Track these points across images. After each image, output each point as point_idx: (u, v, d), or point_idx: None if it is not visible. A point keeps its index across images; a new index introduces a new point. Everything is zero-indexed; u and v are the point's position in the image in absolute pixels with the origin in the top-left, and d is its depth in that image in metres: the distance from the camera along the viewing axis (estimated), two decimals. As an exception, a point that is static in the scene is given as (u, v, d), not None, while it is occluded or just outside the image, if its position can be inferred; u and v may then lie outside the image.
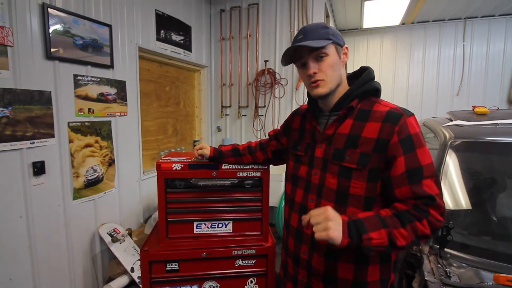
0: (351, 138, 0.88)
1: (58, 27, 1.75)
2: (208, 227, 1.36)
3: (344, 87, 0.95)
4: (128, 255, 2.04)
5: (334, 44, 0.90)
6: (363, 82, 0.92)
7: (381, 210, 0.83)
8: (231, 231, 1.38)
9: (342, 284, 0.91)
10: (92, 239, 2.05)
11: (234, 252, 1.34)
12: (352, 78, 0.98)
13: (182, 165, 1.29)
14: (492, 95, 4.62)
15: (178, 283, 1.34)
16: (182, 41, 3.03)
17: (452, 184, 1.46)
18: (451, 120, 1.99)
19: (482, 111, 1.99)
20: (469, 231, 1.31)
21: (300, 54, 0.90)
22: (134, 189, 2.46)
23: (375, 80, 0.96)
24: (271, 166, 1.38)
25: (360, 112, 0.90)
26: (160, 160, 1.33)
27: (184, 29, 3.08)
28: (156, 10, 2.62)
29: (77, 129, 1.90)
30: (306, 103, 1.10)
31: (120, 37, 2.22)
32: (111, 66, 2.13)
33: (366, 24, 4.59)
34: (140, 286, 1.93)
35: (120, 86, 2.23)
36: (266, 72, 3.32)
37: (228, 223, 1.37)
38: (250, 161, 1.32)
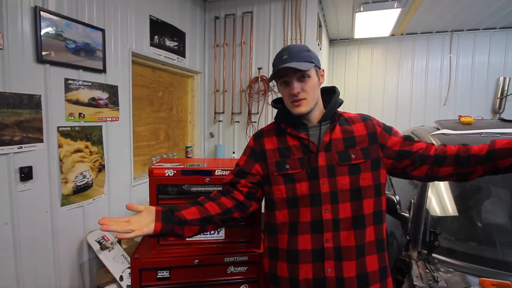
0: (347, 140, 0.98)
1: (50, 30, 1.74)
2: (200, 234, 1.35)
3: (320, 103, 1.03)
4: (117, 263, 2.00)
5: (315, 67, 0.97)
6: (338, 97, 1.04)
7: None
8: (223, 237, 1.37)
9: (373, 278, 0.92)
10: (80, 247, 2.00)
11: (226, 259, 1.33)
12: (323, 93, 1.06)
13: (175, 171, 1.29)
14: (478, 105, 4.78)
15: (169, 291, 1.32)
16: (176, 47, 3.04)
17: (439, 191, 1.49)
18: (438, 129, 2.04)
19: (467, 121, 2.06)
20: (456, 237, 1.34)
21: (284, 73, 0.94)
22: (124, 196, 2.42)
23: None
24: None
25: (340, 121, 1.02)
26: (152, 166, 1.32)
27: (178, 35, 3.09)
28: (150, 15, 2.63)
29: (67, 134, 1.87)
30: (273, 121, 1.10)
31: (113, 41, 2.21)
32: (103, 71, 2.12)
33: (357, 35, 4.70)
34: (129, 294, 1.89)
35: (112, 91, 2.22)
36: (259, 79, 3.36)
37: (221, 229, 1.37)
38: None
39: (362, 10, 3.63)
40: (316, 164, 0.95)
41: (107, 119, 2.18)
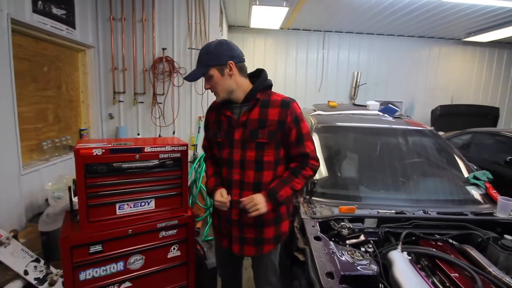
0: (261, 121, 1.27)
1: None
2: (131, 207, 1.46)
3: (247, 85, 1.31)
4: (17, 259, 1.80)
5: (215, 67, 1.24)
6: (262, 80, 1.32)
7: (284, 173, 1.29)
8: (154, 207, 1.52)
9: (268, 224, 1.34)
10: (-39, 248, 1.70)
11: (158, 225, 1.50)
12: (253, 76, 1.36)
13: (104, 150, 1.34)
14: (341, 92, 6.16)
15: (102, 263, 1.39)
16: (64, 16, 2.67)
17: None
18: (315, 111, 2.70)
19: (333, 105, 2.80)
20: (326, 185, 1.94)
21: None
22: (12, 186, 2.11)
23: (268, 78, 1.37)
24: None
25: (262, 102, 1.29)
26: (77, 146, 1.32)
27: (66, 2, 2.72)
28: (30, -24, 2.23)
29: None
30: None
31: (-15, 4, 1.83)
32: (-27, 39, 1.75)
33: (253, 24, 5.17)
34: (39, 287, 1.78)
35: (-12, 63, 1.86)
36: (164, 60, 3.34)
37: (151, 200, 1.50)
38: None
39: (258, 3, 4.05)
40: (233, 137, 1.28)
41: (-16, 97, 1.83)
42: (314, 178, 1.86)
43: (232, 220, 1.34)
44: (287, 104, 1.27)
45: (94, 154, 1.33)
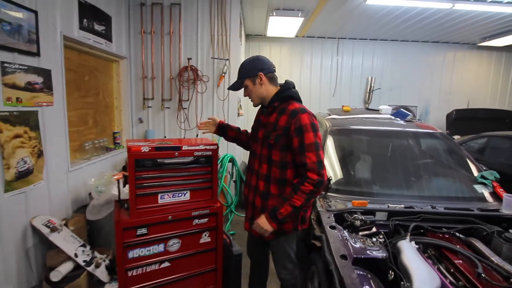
0: (274, 125, 1.50)
1: (-19, 9, 1.65)
2: (170, 197, 1.70)
3: (270, 95, 1.55)
4: (68, 243, 2.08)
5: (248, 78, 1.52)
6: (281, 92, 1.55)
7: (287, 189, 1.46)
8: (189, 198, 1.75)
9: (273, 199, 1.50)
10: (24, 232, 1.98)
11: (192, 214, 1.73)
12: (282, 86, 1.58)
13: (150, 148, 1.58)
14: (355, 97, 6.28)
15: (147, 244, 1.63)
16: (103, 31, 3.00)
17: (330, 157, 2.27)
18: (330, 115, 2.89)
19: (347, 109, 2.97)
20: (340, 182, 2.11)
21: None
22: (61, 181, 2.41)
23: (294, 89, 1.58)
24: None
25: (280, 109, 1.52)
26: (129, 144, 1.57)
27: (105, 19, 3.05)
28: (78, -2, 2.56)
29: (6, 119, 1.82)
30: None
31: (46, 24, 2.14)
32: (37, 54, 2.06)
33: (269, 33, 5.43)
34: (87, 268, 2.04)
35: (46, 75, 2.17)
36: (189, 69, 3.63)
37: (186, 192, 1.74)
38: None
39: (274, 14, 4.30)
40: (257, 134, 1.57)
41: (43, 104, 2.14)
42: (329, 176, 2.05)
43: (249, 201, 1.64)
44: (294, 113, 1.42)
45: (143, 151, 1.58)
